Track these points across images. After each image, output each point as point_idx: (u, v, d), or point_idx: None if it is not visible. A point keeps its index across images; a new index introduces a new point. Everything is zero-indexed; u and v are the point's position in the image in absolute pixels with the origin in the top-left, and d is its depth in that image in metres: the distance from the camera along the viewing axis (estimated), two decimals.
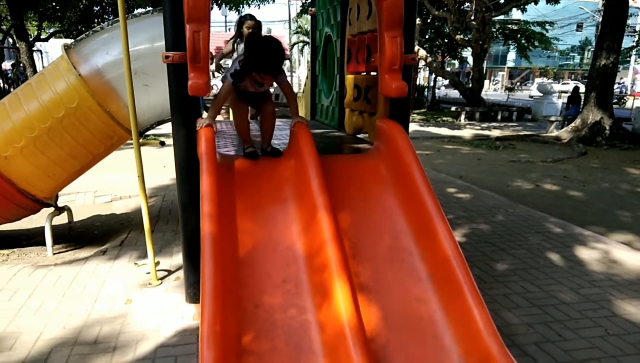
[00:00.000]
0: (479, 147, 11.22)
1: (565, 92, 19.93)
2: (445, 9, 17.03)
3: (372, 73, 3.89)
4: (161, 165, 7.41)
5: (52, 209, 4.31)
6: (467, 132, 13.80)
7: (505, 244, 4.38)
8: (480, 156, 9.91)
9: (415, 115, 18.46)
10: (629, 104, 20.18)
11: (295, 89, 20.55)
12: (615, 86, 16.48)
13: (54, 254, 4.17)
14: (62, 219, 4.79)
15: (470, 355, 2.14)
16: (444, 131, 14.06)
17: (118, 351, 2.65)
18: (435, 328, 2.28)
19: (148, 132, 4.85)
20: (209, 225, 2.24)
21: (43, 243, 4.23)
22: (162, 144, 5.83)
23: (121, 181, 6.52)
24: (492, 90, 29.83)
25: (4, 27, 20.56)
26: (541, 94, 19.74)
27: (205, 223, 2.25)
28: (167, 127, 6.72)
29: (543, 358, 2.66)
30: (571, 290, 3.50)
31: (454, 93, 24.60)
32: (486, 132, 14.05)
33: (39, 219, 4.64)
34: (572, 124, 12.65)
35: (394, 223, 2.68)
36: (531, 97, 22.76)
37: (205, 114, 2.90)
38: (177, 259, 3.83)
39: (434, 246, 2.45)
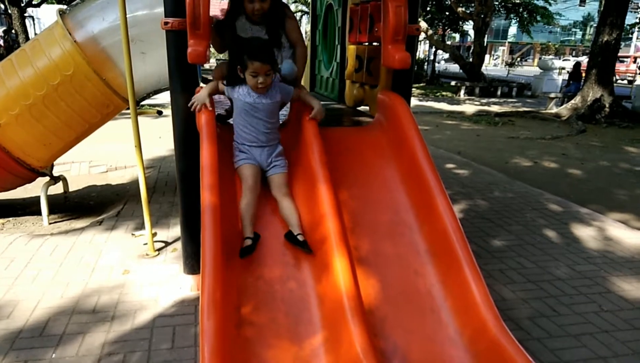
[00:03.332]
0: (478, 123, 11.16)
1: (564, 68, 19.74)
2: None
3: (375, 44, 3.80)
4: (157, 136, 7.33)
5: (47, 178, 4.27)
6: (466, 108, 13.70)
7: (502, 220, 4.39)
8: (479, 132, 9.87)
9: (414, 89, 18.28)
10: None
11: None
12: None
13: (50, 224, 4.15)
14: (57, 189, 4.76)
15: (466, 327, 2.16)
16: (443, 106, 13.96)
17: (117, 320, 2.67)
18: (432, 301, 2.29)
19: (143, 102, 4.77)
20: (209, 196, 2.21)
21: (38, 213, 4.21)
22: (160, 113, 5.75)
23: (117, 151, 6.46)
24: (493, 65, 29.50)
25: None
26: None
27: (206, 194, 2.22)
28: (162, 98, 6.61)
29: (537, 332, 2.69)
30: (566, 266, 3.53)
31: (454, 67, 24.33)
32: (486, 108, 13.95)
33: (34, 189, 4.60)
34: (572, 102, 12.57)
35: (394, 197, 2.66)
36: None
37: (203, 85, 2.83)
38: (174, 231, 3.82)
39: (434, 220, 2.44)
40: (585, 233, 4.16)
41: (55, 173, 4.49)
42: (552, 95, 14.42)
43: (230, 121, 2.95)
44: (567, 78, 16.68)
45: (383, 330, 2.08)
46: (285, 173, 2.60)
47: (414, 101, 14.24)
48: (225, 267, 2.04)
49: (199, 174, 2.37)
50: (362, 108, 4.27)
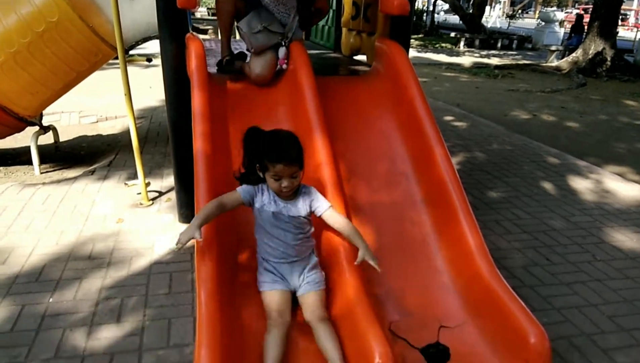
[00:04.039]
0: (478, 75, 10.97)
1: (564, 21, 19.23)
2: None
3: None
4: (147, 86, 7.15)
5: (36, 128, 4.18)
6: (466, 60, 13.43)
7: (500, 172, 4.36)
8: (479, 85, 9.71)
9: (412, 40, 17.85)
10: (631, 35, 19.60)
11: None
12: None
13: (41, 173, 4.09)
14: (47, 139, 4.67)
15: (461, 275, 2.17)
16: (442, 58, 13.68)
17: (113, 266, 2.66)
18: (427, 250, 2.29)
19: (132, 51, 4.61)
20: (201, 144, 2.15)
21: (29, 162, 4.14)
22: (149, 61, 5.58)
23: (107, 102, 6.32)
24: (493, 17, 28.69)
25: None
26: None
27: (198, 142, 2.16)
28: (152, 47, 6.41)
29: (530, 280, 2.72)
30: (562, 217, 3.54)
31: (454, 19, 23.66)
32: (485, 60, 13.69)
33: (24, 139, 4.52)
34: (573, 55, 12.32)
35: (392, 147, 2.61)
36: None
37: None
38: (168, 181, 3.78)
39: (431, 170, 2.40)
40: (581, 185, 4.15)
41: (45, 122, 4.39)
42: (553, 48, 14.12)
43: (238, 64, 2.92)
44: (568, 31, 16.29)
45: (377, 277, 2.08)
46: (323, 289, 1.98)
47: (412, 52, 13.92)
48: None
49: (191, 123, 2.31)
50: (358, 57, 4.14)
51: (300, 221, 1.98)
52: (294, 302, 1.99)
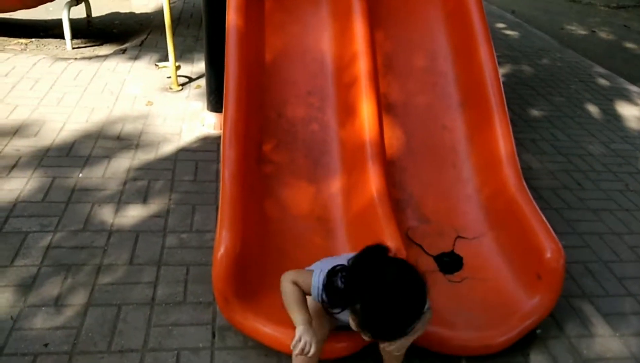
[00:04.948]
0: None
1: None
2: None
3: None
4: None
5: None
6: None
7: (545, 90, 4.11)
8: None
9: None
10: None
11: None
12: None
13: (73, 48, 4.05)
14: (79, 13, 4.56)
15: (486, 185, 2.12)
16: None
17: (140, 149, 2.71)
18: (456, 157, 2.23)
19: None
20: (234, 19, 2.03)
21: (61, 36, 4.09)
22: None
23: None
24: None
25: None
26: None
27: (231, 16, 2.04)
28: None
29: (556, 203, 2.66)
30: (601, 143, 3.37)
31: None
32: None
33: (56, 11, 4.42)
34: None
35: (434, 41, 2.43)
36: None
37: None
38: (198, 67, 3.69)
39: (472, 69, 2.26)
40: (629, 112, 3.90)
41: None
42: None
43: None
44: None
45: (401, 181, 2.06)
46: None
47: None
48: (248, 100, 1.97)
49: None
50: None
51: None
52: None
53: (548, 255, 1.71)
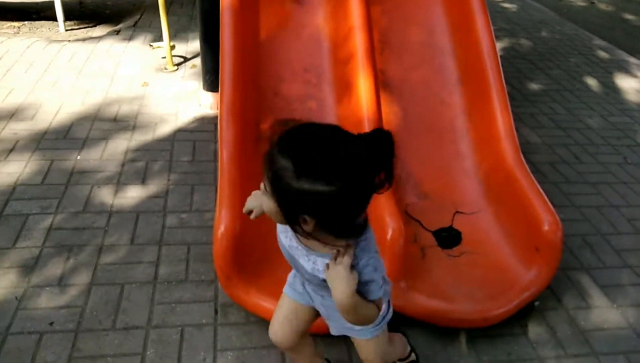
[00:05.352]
0: None
1: None
2: None
3: None
4: None
5: None
6: None
7: (544, 63, 4.07)
8: None
9: None
10: None
11: None
12: None
13: (66, 30, 3.99)
14: None
15: (484, 160, 2.12)
16: None
17: (138, 130, 2.70)
18: (454, 133, 2.23)
19: None
20: None
21: (53, 18, 4.03)
22: None
23: None
24: None
25: None
26: None
27: None
28: None
29: (554, 177, 2.66)
30: (600, 116, 3.36)
31: None
32: None
33: None
34: None
35: (431, 16, 2.40)
36: None
37: None
38: (193, 46, 3.65)
39: (469, 42, 2.24)
40: (627, 84, 3.87)
41: None
42: None
43: None
44: None
45: (399, 158, 2.01)
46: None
47: None
48: (244, 79, 1.95)
49: None
50: None
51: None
52: None
53: (546, 227, 1.72)
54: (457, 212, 2.03)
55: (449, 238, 1.94)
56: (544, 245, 1.74)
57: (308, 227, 0.92)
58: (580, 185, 2.63)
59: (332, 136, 0.92)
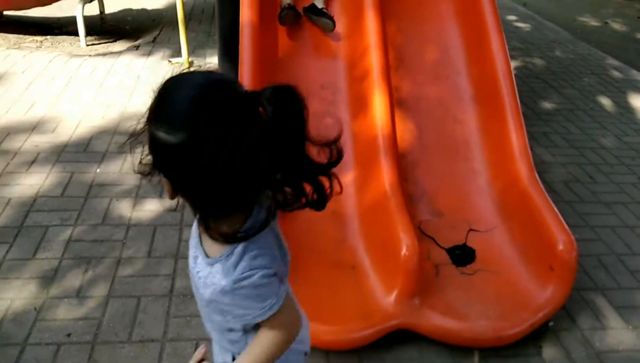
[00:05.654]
0: None
1: None
2: None
3: None
4: None
5: None
6: None
7: (557, 82, 4.09)
8: None
9: None
10: None
11: None
12: None
13: (87, 45, 4.10)
14: (92, 10, 4.60)
15: (498, 179, 2.13)
16: None
17: None
18: (468, 151, 2.24)
19: None
20: (248, 14, 2.06)
21: (75, 33, 4.14)
22: None
23: None
24: None
25: None
26: None
27: (245, 12, 2.07)
28: None
29: (568, 196, 2.66)
30: (614, 136, 3.35)
31: None
32: None
33: (69, 9, 4.46)
34: None
35: (446, 34, 2.44)
36: None
37: None
38: (210, 60, 3.73)
39: (484, 61, 2.27)
40: None
41: None
42: None
43: None
44: None
45: (413, 175, 2.08)
46: None
47: None
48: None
49: None
50: None
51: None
52: None
53: (560, 247, 1.72)
54: (471, 230, 2.04)
55: (462, 255, 1.95)
56: (558, 265, 1.74)
57: (168, 191, 0.78)
58: (595, 205, 2.62)
59: (207, 83, 0.75)
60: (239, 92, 0.75)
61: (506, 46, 2.24)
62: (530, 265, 1.86)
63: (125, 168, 2.52)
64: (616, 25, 6.46)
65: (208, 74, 0.78)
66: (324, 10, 2.31)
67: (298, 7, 2.34)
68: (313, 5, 2.34)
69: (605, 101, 3.85)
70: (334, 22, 2.29)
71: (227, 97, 0.73)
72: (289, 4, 2.32)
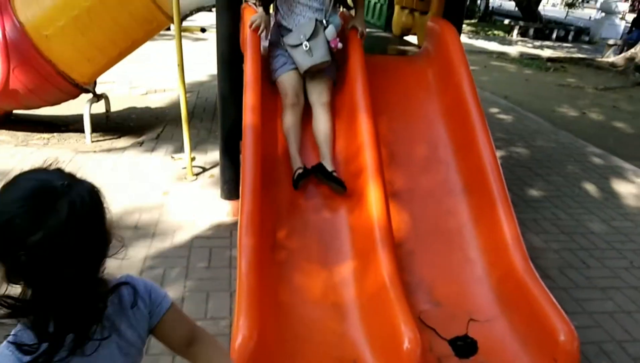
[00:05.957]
0: (529, 67, 10.58)
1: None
2: None
3: None
4: (196, 60, 7.28)
5: (90, 95, 4.36)
6: (517, 50, 12.97)
7: (542, 170, 4.28)
8: (529, 77, 9.38)
9: (465, 25, 17.26)
10: None
11: None
12: None
13: (92, 142, 4.28)
14: (98, 108, 4.85)
15: (494, 267, 2.18)
16: (493, 46, 13.24)
17: (157, 237, 2.81)
18: (462, 240, 2.31)
19: (184, 23, 4.70)
20: (251, 117, 2.21)
21: (81, 130, 4.33)
22: (203, 31, 5.64)
23: (156, 74, 6.49)
24: (551, 4, 27.21)
25: None
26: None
27: (248, 115, 2.22)
28: (200, 19, 6.44)
29: (563, 282, 2.69)
30: (602, 221, 3.46)
31: (509, 4, 22.70)
32: (538, 51, 13.16)
33: (76, 107, 4.72)
34: (632, 50, 11.64)
35: (434, 132, 2.62)
36: None
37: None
38: (212, 157, 3.90)
39: (472, 156, 2.41)
40: (625, 189, 4.03)
41: (98, 91, 4.57)
42: (611, 42, 13.37)
43: None
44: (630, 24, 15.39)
45: (410, 265, 2.13)
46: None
47: (463, 39, 13.28)
48: (263, 191, 2.09)
49: (241, 96, 2.35)
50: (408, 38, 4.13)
51: None
52: None
53: (562, 337, 1.73)
54: (471, 319, 2.05)
55: (464, 347, 1.94)
56: (561, 356, 1.74)
57: None
58: (590, 290, 2.65)
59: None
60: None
61: (492, 142, 2.39)
62: (534, 355, 1.86)
63: (125, 262, 2.49)
64: (593, 115, 6.86)
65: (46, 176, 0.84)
66: (334, 174, 2.32)
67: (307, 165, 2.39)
68: (322, 166, 2.34)
69: (590, 187, 4.01)
70: (344, 187, 2.27)
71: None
72: (300, 167, 2.34)
